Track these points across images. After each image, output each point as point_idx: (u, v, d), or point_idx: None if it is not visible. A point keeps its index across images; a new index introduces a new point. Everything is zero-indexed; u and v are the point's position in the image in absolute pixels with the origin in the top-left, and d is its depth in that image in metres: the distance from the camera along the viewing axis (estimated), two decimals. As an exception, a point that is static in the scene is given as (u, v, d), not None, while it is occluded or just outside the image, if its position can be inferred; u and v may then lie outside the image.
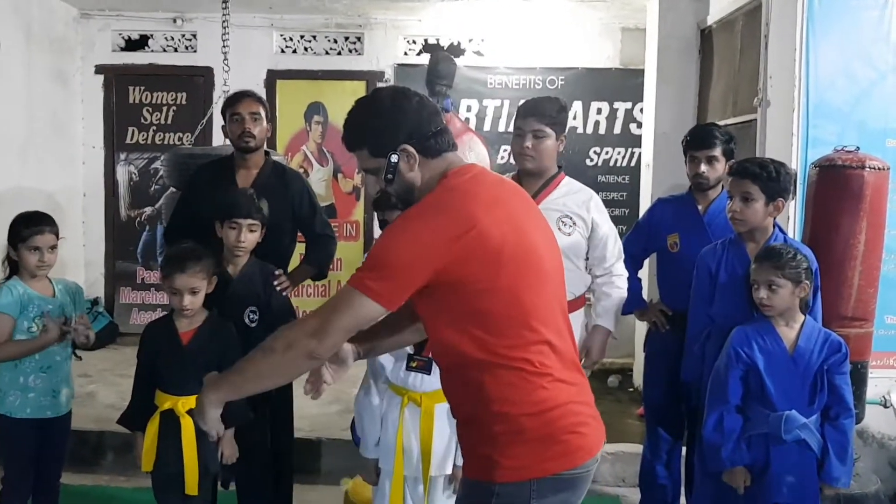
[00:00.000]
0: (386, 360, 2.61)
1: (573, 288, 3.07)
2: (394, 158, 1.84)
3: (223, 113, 3.59)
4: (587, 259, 3.21)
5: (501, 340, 1.76)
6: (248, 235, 3.10)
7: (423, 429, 2.53)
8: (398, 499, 2.59)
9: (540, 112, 3.12)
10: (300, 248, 3.79)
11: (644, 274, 3.73)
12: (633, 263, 3.43)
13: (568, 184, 3.22)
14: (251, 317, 3.09)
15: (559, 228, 3.06)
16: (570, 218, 3.12)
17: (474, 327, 1.76)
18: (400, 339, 2.15)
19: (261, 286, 3.16)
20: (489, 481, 1.79)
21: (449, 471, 2.55)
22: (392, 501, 2.59)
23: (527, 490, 1.78)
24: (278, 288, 3.21)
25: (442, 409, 2.48)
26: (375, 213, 3.28)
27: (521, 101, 3.25)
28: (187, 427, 2.78)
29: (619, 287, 3.20)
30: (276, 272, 3.24)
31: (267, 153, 3.65)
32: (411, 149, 1.84)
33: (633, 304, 3.46)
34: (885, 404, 3.77)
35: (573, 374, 1.86)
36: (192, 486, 2.80)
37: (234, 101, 3.54)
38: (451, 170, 1.87)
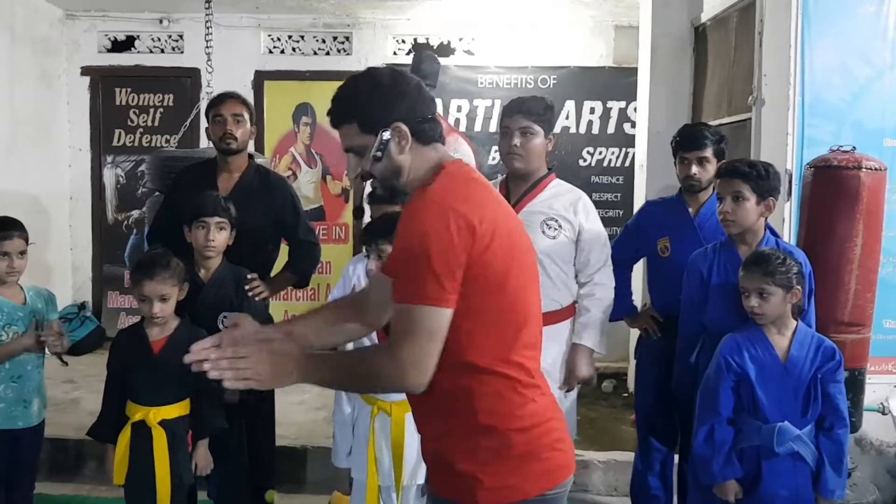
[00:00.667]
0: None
1: (559, 297, 3.02)
2: (386, 135, 1.72)
3: (206, 114, 3.53)
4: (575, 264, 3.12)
5: (500, 341, 1.67)
6: (217, 235, 3.04)
7: (394, 438, 2.48)
8: None
9: (526, 109, 3.04)
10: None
11: (635, 278, 3.64)
12: (622, 268, 3.32)
13: (556, 185, 3.13)
14: (224, 323, 3.00)
15: (543, 231, 2.99)
16: (556, 220, 3.03)
17: (475, 325, 1.65)
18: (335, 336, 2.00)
19: (233, 291, 3.09)
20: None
21: (421, 480, 2.49)
22: None
23: None
24: (251, 293, 3.13)
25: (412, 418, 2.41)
26: (367, 209, 3.17)
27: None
28: (159, 438, 2.73)
29: (600, 299, 3.08)
30: (249, 276, 3.16)
31: (251, 156, 3.58)
32: (405, 128, 1.73)
33: (624, 310, 3.37)
34: (883, 411, 3.68)
35: (547, 386, 1.79)
36: (164, 498, 2.74)
37: (217, 102, 3.48)
38: (447, 161, 1.78)
